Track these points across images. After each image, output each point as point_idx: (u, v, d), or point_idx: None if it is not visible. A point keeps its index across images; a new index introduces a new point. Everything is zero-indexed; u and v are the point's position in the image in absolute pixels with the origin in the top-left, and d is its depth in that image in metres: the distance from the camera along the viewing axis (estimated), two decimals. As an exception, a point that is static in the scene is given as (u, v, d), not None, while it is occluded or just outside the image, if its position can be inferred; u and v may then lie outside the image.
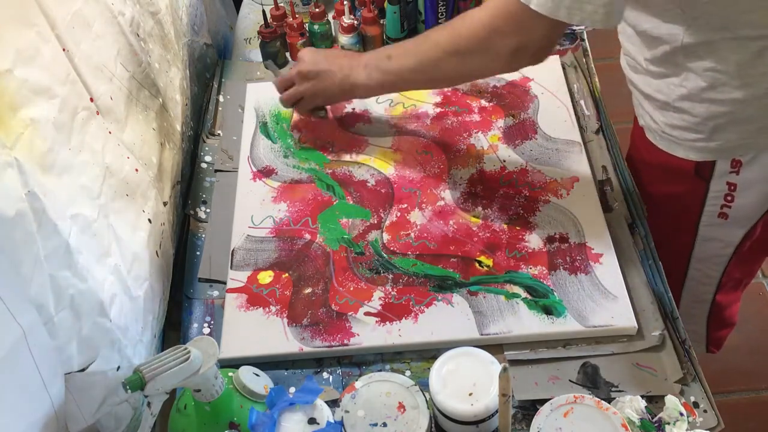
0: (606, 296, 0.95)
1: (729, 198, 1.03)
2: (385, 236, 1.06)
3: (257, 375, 0.87)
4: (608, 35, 1.22)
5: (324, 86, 1.11)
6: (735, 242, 1.10)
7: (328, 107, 1.22)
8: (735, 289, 1.23)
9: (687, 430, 0.80)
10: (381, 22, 1.35)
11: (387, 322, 0.95)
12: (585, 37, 1.36)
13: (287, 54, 1.38)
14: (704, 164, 1.01)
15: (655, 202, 1.09)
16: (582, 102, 1.23)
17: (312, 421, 0.78)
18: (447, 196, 1.10)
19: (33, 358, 0.64)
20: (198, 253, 1.08)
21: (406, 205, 1.09)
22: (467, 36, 0.93)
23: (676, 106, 0.97)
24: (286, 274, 1.02)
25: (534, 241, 1.03)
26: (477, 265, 1.01)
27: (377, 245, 1.04)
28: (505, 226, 1.05)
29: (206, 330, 0.99)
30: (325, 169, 1.16)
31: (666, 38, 0.91)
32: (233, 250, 1.05)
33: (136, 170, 0.92)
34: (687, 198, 1.07)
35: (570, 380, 0.89)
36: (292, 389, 0.90)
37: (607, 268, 0.98)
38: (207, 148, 1.23)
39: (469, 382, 0.81)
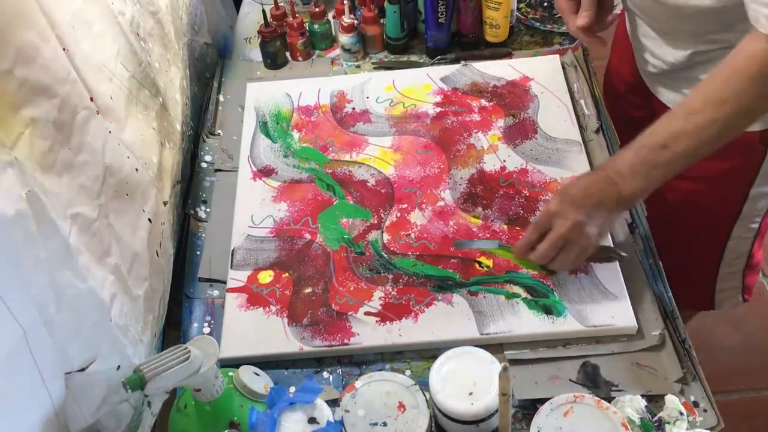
0: (606, 296, 0.95)
1: None
2: (386, 236, 1.06)
3: (257, 374, 0.87)
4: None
5: (601, 222, 0.95)
6: None
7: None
8: (762, 235, 1.23)
9: (687, 429, 0.80)
10: (381, 21, 1.35)
11: (387, 322, 0.95)
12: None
13: (287, 53, 1.38)
14: (766, 131, 1.00)
15: (703, 181, 1.08)
16: (582, 102, 1.23)
17: (312, 420, 0.78)
18: (447, 196, 1.10)
19: (33, 358, 0.64)
20: (198, 252, 1.08)
21: (406, 205, 1.09)
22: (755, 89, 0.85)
23: None
24: (287, 274, 1.02)
25: (534, 240, 1.03)
26: (477, 265, 1.01)
27: (377, 245, 1.04)
28: (505, 226, 1.05)
29: (206, 330, 0.99)
30: (325, 168, 1.16)
31: (710, 16, 0.90)
32: (233, 249, 1.05)
33: (136, 170, 0.92)
34: (744, 167, 1.07)
35: (570, 380, 0.89)
36: (293, 389, 0.90)
37: (607, 268, 0.98)
38: (207, 148, 1.23)
39: (469, 381, 0.81)
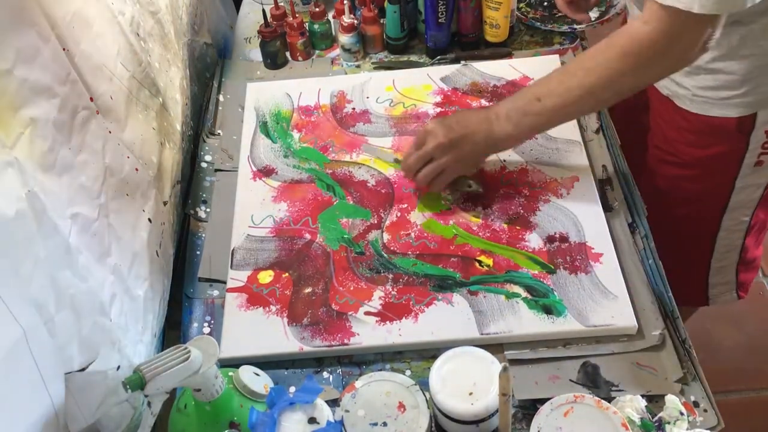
0: (606, 296, 0.95)
1: (767, 145, 1.06)
2: (386, 236, 1.06)
3: (257, 374, 0.87)
4: (608, 35, 1.22)
5: (467, 150, 1.03)
6: (765, 183, 1.13)
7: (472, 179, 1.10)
8: (760, 232, 1.25)
9: (687, 429, 0.80)
10: (381, 21, 1.35)
11: (387, 322, 0.95)
12: (585, 36, 1.36)
13: (287, 53, 1.38)
14: (745, 119, 1.03)
15: (690, 167, 1.11)
16: (582, 101, 1.23)
17: (312, 420, 0.78)
18: (447, 195, 1.10)
19: (33, 358, 0.64)
20: (198, 252, 1.08)
21: (406, 205, 1.09)
22: (641, 52, 0.90)
23: (709, 67, 0.99)
24: (287, 274, 1.02)
25: (534, 240, 1.03)
26: (477, 264, 1.01)
27: (377, 245, 1.04)
28: (506, 226, 1.05)
29: (206, 329, 0.99)
30: (325, 169, 1.16)
31: None
32: (233, 249, 1.05)
33: (136, 170, 0.92)
34: (728, 155, 1.09)
35: (570, 380, 0.89)
36: (292, 389, 0.90)
37: (607, 268, 0.98)
38: (207, 148, 1.23)
39: (469, 381, 0.81)
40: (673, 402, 0.81)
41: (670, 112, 1.09)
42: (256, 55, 1.39)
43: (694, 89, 1.04)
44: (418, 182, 1.07)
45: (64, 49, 0.78)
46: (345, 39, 1.34)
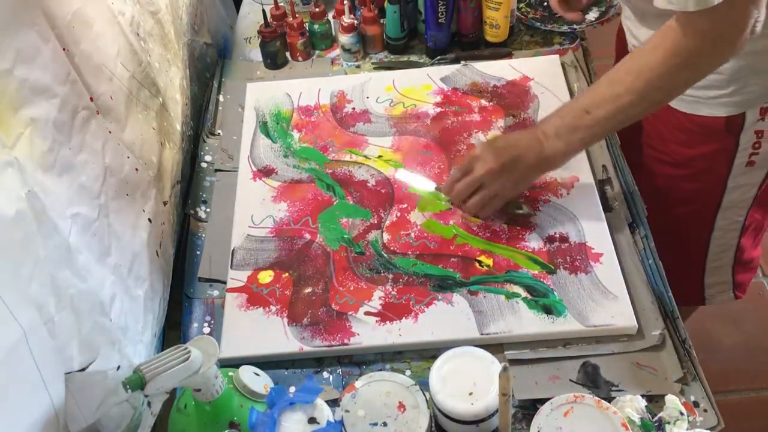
0: (606, 296, 0.95)
1: (757, 145, 1.06)
2: (386, 236, 1.06)
3: (257, 374, 0.87)
4: (608, 35, 1.22)
5: (519, 174, 1.01)
6: (758, 182, 1.13)
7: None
8: (757, 233, 1.25)
9: (687, 429, 0.80)
10: (381, 21, 1.35)
11: (387, 322, 0.95)
12: (585, 36, 1.36)
13: (287, 53, 1.38)
14: (734, 119, 1.03)
15: (682, 167, 1.12)
16: (582, 101, 1.23)
17: (312, 420, 0.78)
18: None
19: (33, 358, 0.64)
20: (198, 252, 1.08)
21: (406, 205, 1.09)
22: (690, 48, 0.88)
23: None
24: (287, 274, 1.02)
25: (534, 240, 1.03)
26: (477, 264, 1.01)
27: (377, 245, 1.04)
28: (505, 226, 1.05)
29: (206, 329, 0.99)
30: (325, 169, 1.16)
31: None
32: (233, 249, 1.05)
33: (136, 170, 0.92)
34: (717, 156, 1.09)
35: (570, 380, 0.89)
36: (292, 389, 0.90)
37: (607, 268, 0.98)
38: (207, 148, 1.23)
39: (469, 381, 0.81)
40: (673, 402, 0.81)
41: (663, 110, 1.10)
42: (256, 55, 1.39)
43: None
44: (468, 210, 1.04)
45: (64, 49, 0.78)
46: (345, 39, 1.34)
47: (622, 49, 1.28)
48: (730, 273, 1.28)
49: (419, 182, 1.11)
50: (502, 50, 1.34)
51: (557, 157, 1.00)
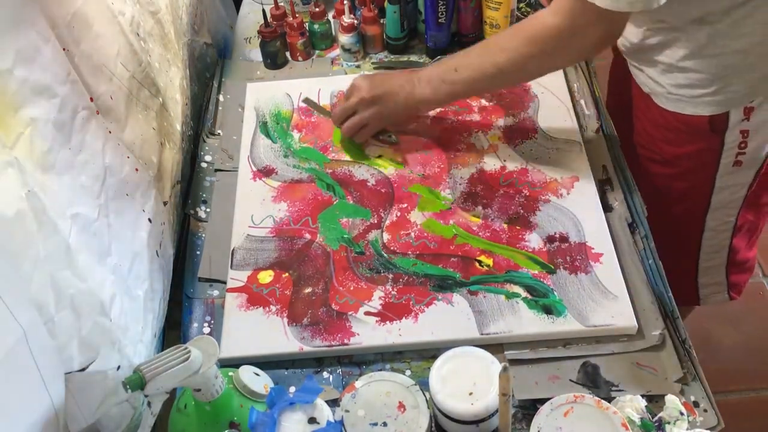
0: (606, 296, 0.95)
1: (743, 145, 1.07)
2: (386, 236, 1.06)
3: (257, 374, 0.87)
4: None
5: (389, 108, 1.12)
6: (747, 183, 1.13)
7: (392, 131, 1.19)
8: (751, 234, 1.25)
9: (687, 429, 0.80)
10: (381, 21, 1.35)
11: (387, 322, 0.95)
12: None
13: (287, 53, 1.38)
14: (718, 118, 1.04)
15: (671, 165, 1.14)
16: (582, 101, 1.23)
17: (312, 420, 0.78)
18: (447, 195, 1.10)
19: (33, 358, 0.64)
20: (198, 252, 1.08)
21: (406, 205, 1.09)
22: (547, 40, 0.97)
23: (680, 66, 1.01)
24: (287, 274, 1.02)
25: (534, 240, 1.03)
26: (477, 264, 1.01)
27: (377, 245, 1.04)
28: (505, 226, 1.05)
29: (206, 329, 0.99)
30: (325, 168, 1.16)
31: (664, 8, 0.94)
32: (233, 249, 1.05)
33: (136, 170, 0.92)
34: (704, 155, 1.10)
35: (570, 380, 0.89)
36: (292, 389, 0.90)
37: (607, 268, 0.98)
38: (207, 148, 1.23)
39: (469, 381, 0.81)
40: (673, 402, 0.81)
41: (651, 109, 1.11)
42: (256, 55, 1.39)
43: (669, 87, 1.05)
44: (344, 132, 1.17)
45: (64, 49, 0.78)
46: (345, 39, 1.34)
47: (617, 48, 1.28)
48: (724, 274, 1.28)
49: (323, 110, 1.24)
50: (502, 50, 1.34)
51: (425, 102, 1.11)
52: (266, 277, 1.02)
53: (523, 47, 0.99)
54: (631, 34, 1.08)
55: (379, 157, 1.17)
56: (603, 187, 1.10)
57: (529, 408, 0.87)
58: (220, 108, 1.30)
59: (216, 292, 1.03)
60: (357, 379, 0.84)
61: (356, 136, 1.16)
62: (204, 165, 1.20)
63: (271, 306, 0.98)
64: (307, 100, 1.26)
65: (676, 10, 0.94)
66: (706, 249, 1.23)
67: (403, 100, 1.11)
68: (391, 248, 1.04)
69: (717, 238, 1.21)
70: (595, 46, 1.00)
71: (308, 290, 1.00)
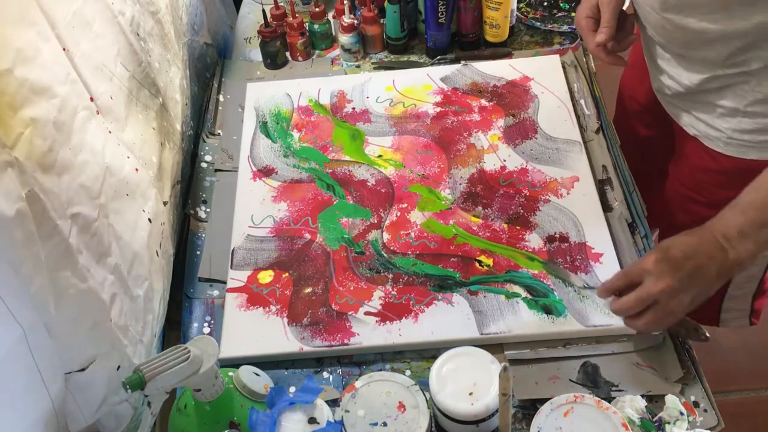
0: (606, 296, 0.95)
1: None
2: (386, 236, 1.06)
3: (257, 374, 0.87)
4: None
5: (700, 287, 0.86)
6: None
7: None
8: None
9: (687, 429, 0.80)
10: (381, 21, 1.35)
11: (387, 322, 0.95)
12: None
13: (287, 53, 1.38)
14: None
15: (719, 207, 1.03)
16: (582, 101, 1.23)
17: (312, 420, 0.78)
18: (447, 195, 1.10)
19: (33, 358, 0.64)
20: (198, 252, 1.08)
21: (406, 205, 1.09)
22: None
23: (748, 110, 0.95)
24: (287, 274, 1.02)
25: (534, 240, 1.03)
26: (477, 264, 1.01)
27: (377, 245, 1.04)
28: (505, 226, 1.05)
29: (206, 329, 0.99)
30: (325, 168, 1.16)
31: (733, 40, 0.89)
32: (233, 249, 1.05)
33: (136, 170, 0.92)
34: None
35: (570, 380, 0.89)
36: (292, 389, 0.90)
37: (607, 268, 0.98)
38: (207, 148, 1.23)
39: (469, 381, 0.81)
40: (673, 402, 0.81)
41: (699, 153, 1.05)
42: (256, 55, 1.39)
43: (730, 132, 0.99)
44: (634, 327, 0.90)
45: (64, 49, 0.78)
46: (345, 39, 1.34)
47: (633, 69, 1.22)
48: (750, 302, 1.24)
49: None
50: (502, 50, 1.34)
51: (743, 262, 0.85)
52: (266, 277, 1.02)
53: None
54: (683, 77, 1.01)
55: (379, 156, 1.17)
56: (603, 187, 1.10)
57: (529, 408, 0.87)
58: (220, 108, 1.30)
59: (216, 292, 1.03)
60: (357, 379, 0.84)
61: (652, 329, 0.92)
62: (204, 165, 1.20)
63: (271, 306, 0.99)
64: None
65: (761, 49, 0.88)
66: (740, 280, 1.19)
67: (716, 272, 0.85)
68: (391, 248, 1.04)
69: (752, 270, 1.17)
70: None
71: (308, 290, 1.00)
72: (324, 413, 0.79)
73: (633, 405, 0.81)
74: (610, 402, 0.81)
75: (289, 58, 1.39)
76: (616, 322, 0.92)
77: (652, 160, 1.19)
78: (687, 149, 1.10)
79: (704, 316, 1.27)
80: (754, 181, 0.86)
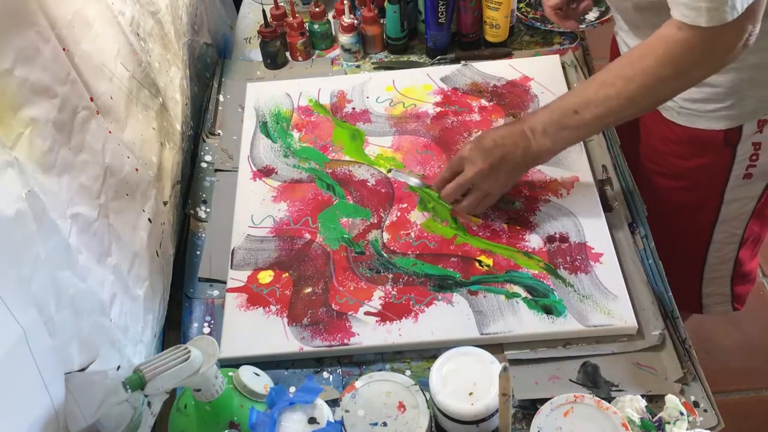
0: (606, 296, 0.95)
1: (754, 158, 1.06)
2: (386, 236, 1.06)
3: (257, 374, 0.87)
4: (608, 35, 1.22)
5: (508, 172, 1.00)
6: (757, 195, 1.13)
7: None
8: (755, 245, 1.25)
9: (687, 429, 0.80)
10: (381, 21, 1.35)
11: (387, 322, 0.95)
12: (585, 36, 1.36)
13: (287, 53, 1.38)
14: (732, 131, 1.03)
15: (679, 179, 1.12)
16: (582, 101, 1.23)
17: (312, 420, 0.78)
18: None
19: (33, 358, 0.64)
20: (198, 252, 1.08)
21: (406, 205, 1.09)
22: (682, 55, 0.88)
23: None
24: (287, 274, 1.02)
25: (534, 240, 1.03)
26: (477, 264, 1.01)
27: (377, 245, 1.04)
28: (506, 226, 1.05)
29: (206, 329, 0.99)
30: (325, 168, 1.16)
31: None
32: (233, 249, 1.05)
33: (136, 170, 0.92)
34: (714, 168, 1.09)
35: (570, 380, 0.89)
36: (292, 389, 0.90)
37: (607, 268, 0.98)
38: (207, 148, 1.23)
39: (469, 381, 0.81)
40: (673, 402, 0.81)
41: (658, 122, 1.10)
42: (256, 55, 1.39)
43: (681, 101, 1.04)
44: (461, 211, 1.04)
45: (64, 49, 0.78)
46: (345, 39, 1.34)
47: (616, 57, 1.27)
48: (729, 285, 1.27)
49: (412, 180, 1.11)
50: (502, 50, 1.34)
51: (544, 154, 1.00)
52: (266, 277, 1.02)
53: (655, 70, 0.90)
54: None
55: (379, 156, 1.17)
56: (603, 187, 1.10)
57: (529, 408, 0.87)
58: (220, 108, 1.30)
59: (216, 292, 1.03)
60: (357, 379, 0.84)
61: (475, 210, 1.05)
62: (204, 165, 1.20)
63: (271, 306, 0.99)
64: (391, 171, 1.14)
65: None
66: (712, 260, 1.23)
67: (521, 158, 0.99)
68: (391, 248, 1.04)
69: (723, 250, 1.21)
70: (734, 52, 0.88)
71: (308, 290, 1.00)
72: (324, 413, 0.79)
73: (633, 405, 0.81)
74: (610, 402, 0.81)
75: (289, 58, 1.39)
76: (616, 322, 0.93)
77: (627, 138, 1.22)
78: (649, 122, 1.14)
79: (686, 302, 1.29)
80: (571, 89, 0.98)
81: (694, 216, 1.17)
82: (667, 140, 1.12)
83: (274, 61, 1.36)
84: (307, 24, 1.36)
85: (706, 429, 0.83)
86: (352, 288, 1.00)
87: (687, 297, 1.28)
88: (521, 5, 1.40)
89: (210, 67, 1.39)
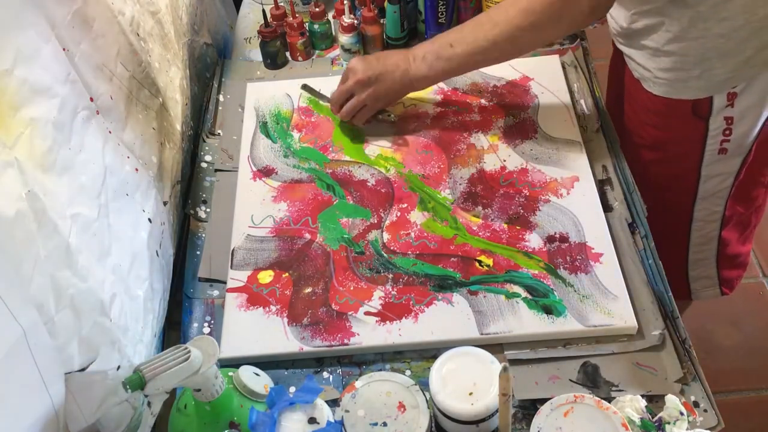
0: (606, 296, 0.95)
1: (727, 132, 1.08)
2: (385, 236, 1.06)
3: (257, 374, 0.87)
4: (608, 35, 1.22)
5: (385, 87, 1.12)
6: (734, 172, 1.14)
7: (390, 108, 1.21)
8: (743, 228, 1.26)
9: (687, 429, 0.80)
10: (381, 21, 1.35)
11: (387, 322, 0.95)
12: (585, 36, 1.36)
13: (287, 53, 1.38)
14: (701, 102, 1.05)
15: (657, 150, 1.15)
16: (582, 101, 1.23)
17: (312, 420, 0.78)
18: (447, 195, 1.10)
19: (33, 358, 0.64)
20: (198, 252, 1.08)
21: (406, 205, 1.09)
22: (541, 11, 0.98)
23: (665, 49, 1.03)
24: (287, 274, 1.02)
25: (534, 240, 1.03)
26: (477, 264, 1.01)
27: (377, 245, 1.04)
28: (505, 226, 1.05)
29: (206, 329, 0.99)
30: (325, 168, 1.16)
31: None
32: (233, 249, 1.05)
33: (136, 170, 0.92)
34: (688, 140, 1.11)
35: (570, 380, 0.89)
36: (292, 389, 0.90)
37: (607, 268, 0.98)
38: (207, 148, 1.23)
39: (469, 381, 0.81)
40: (673, 402, 0.81)
41: (640, 94, 1.12)
42: (256, 55, 1.39)
43: (656, 71, 1.07)
44: (342, 116, 1.17)
45: (64, 49, 0.78)
46: (345, 39, 1.34)
47: (616, 56, 1.28)
48: (715, 267, 1.29)
49: (322, 98, 1.24)
50: (502, 50, 1.34)
51: (420, 80, 1.11)
52: (266, 277, 1.02)
53: (516, 19, 1.00)
54: (620, 18, 1.09)
55: (379, 155, 1.17)
56: (603, 187, 1.10)
57: (529, 408, 0.87)
58: (220, 108, 1.30)
59: (216, 292, 1.03)
60: (357, 379, 0.84)
61: (355, 119, 1.17)
62: (204, 165, 1.20)
63: (271, 306, 0.99)
64: (305, 87, 1.27)
65: None
66: (695, 240, 1.24)
67: (399, 78, 1.11)
68: (391, 248, 1.04)
69: (705, 228, 1.22)
70: (587, 16, 0.99)
71: (308, 290, 1.00)
72: (324, 413, 0.79)
73: (633, 405, 0.81)
74: (610, 402, 0.81)
75: (289, 58, 1.39)
76: (616, 322, 0.93)
77: (619, 115, 1.24)
78: (633, 93, 1.17)
79: (675, 288, 1.29)
80: (459, 26, 1.08)
81: (675, 191, 1.18)
82: (648, 110, 1.14)
83: (274, 61, 1.36)
84: (307, 24, 1.36)
85: (706, 429, 0.83)
86: (352, 288, 1.00)
87: (675, 282, 1.28)
88: (521, 5, 1.40)
89: (210, 67, 1.39)
